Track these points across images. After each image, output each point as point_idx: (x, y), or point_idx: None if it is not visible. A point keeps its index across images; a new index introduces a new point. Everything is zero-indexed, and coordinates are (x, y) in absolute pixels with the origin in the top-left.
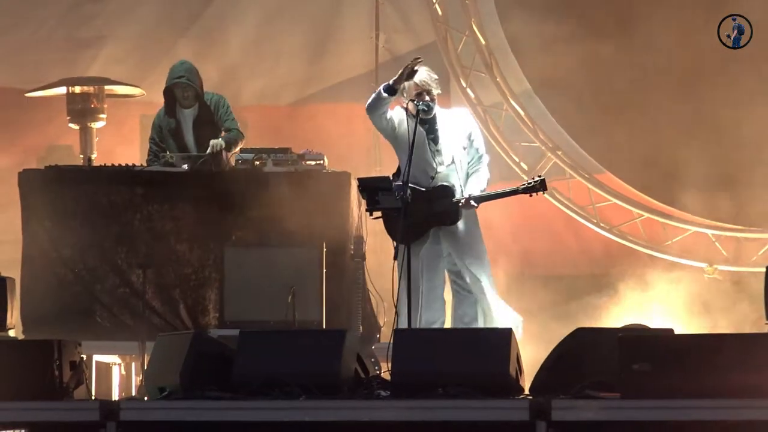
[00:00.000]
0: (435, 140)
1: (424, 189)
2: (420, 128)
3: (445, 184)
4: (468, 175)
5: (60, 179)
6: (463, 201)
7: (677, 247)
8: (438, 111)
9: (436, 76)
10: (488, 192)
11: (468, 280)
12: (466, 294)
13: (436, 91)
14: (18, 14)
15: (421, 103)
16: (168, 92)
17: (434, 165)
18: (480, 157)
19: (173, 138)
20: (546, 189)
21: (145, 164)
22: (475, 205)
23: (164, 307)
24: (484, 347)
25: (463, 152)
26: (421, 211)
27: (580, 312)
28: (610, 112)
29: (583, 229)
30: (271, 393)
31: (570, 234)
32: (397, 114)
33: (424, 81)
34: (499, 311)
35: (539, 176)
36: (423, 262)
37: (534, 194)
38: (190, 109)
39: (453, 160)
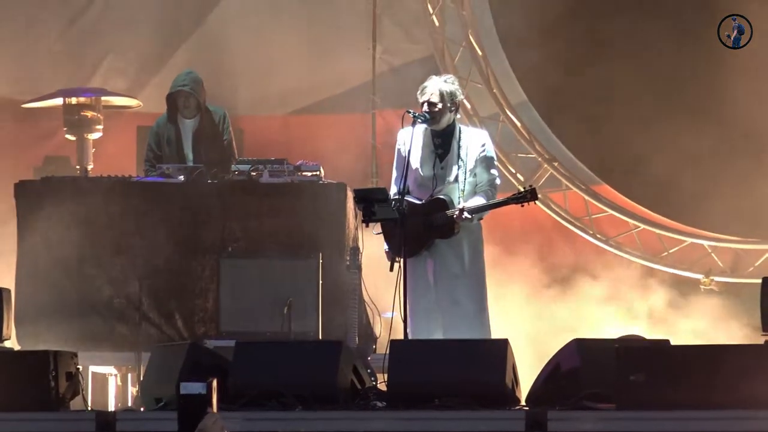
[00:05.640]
0: (442, 156)
1: (420, 202)
2: (429, 143)
3: (440, 197)
4: (474, 195)
5: (56, 190)
6: (456, 213)
7: (674, 258)
8: (463, 129)
9: (449, 89)
10: (480, 203)
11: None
12: None
13: (443, 104)
14: (15, 25)
15: (417, 114)
16: (170, 99)
17: (435, 181)
18: (491, 181)
19: (171, 147)
20: (537, 197)
21: (141, 174)
22: (469, 216)
23: (160, 318)
24: (479, 358)
25: (468, 174)
26: (418, 225)
27: (577, 322)
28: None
29: (579, 239)
30: (267, 404)
31: (567, 243)
32: (404, 138)
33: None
34: None
35: (530, 185)
36: (427, 277)
37: (525, 204)
38: (191, 120)
39: (456, 179)
